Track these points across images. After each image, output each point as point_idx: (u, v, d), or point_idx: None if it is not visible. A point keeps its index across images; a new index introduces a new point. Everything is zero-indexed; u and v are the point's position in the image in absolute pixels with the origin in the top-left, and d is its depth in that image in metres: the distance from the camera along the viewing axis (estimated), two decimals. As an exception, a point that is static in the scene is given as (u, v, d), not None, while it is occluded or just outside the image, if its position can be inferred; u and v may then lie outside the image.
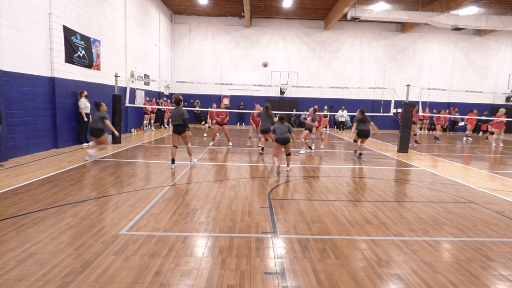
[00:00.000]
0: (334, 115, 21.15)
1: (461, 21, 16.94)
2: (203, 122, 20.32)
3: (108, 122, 8.03)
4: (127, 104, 12.17)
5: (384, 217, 4.62)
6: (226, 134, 11.46)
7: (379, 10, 17.25)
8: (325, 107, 21.17)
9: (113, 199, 5.05)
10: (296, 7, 19.45)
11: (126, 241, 3.55)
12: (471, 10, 17.80)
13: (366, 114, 9.93)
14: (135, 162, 8.12)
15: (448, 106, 21.62)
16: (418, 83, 21.12)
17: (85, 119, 10.15)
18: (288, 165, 7.50)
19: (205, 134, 14.44)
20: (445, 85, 22.09)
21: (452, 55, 22.54)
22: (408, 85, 11.52)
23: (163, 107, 17.24)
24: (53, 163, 7.50)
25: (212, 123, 11.72)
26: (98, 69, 11.66)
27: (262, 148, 9.93)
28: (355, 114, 10.64)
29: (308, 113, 11.36)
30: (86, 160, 7.73)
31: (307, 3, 18.71)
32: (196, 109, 18.71)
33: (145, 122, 15.99)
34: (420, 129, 20.44)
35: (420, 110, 12.42)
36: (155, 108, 16.37)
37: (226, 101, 21.97)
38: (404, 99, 11.55)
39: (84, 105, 10.10)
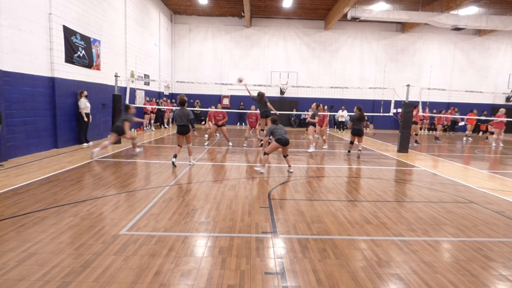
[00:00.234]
0: (334, 115, 21.15)
1: (461, 21, 16.94)
2: (203, 122, 20.32)
3: (127, 124, 8.69)
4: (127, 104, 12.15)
5: (384, 217, 4.62)
6: (225, 135, 11.48)
7: (379, 10, 17.25)
8: (325, 107, 21.15)
9: (113, 199, 5.05)
10: (296, 7, 19.45)
11: (126, 241, 3.55)
12: (471, 10, 17.80)
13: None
14: (135, 162, 8.12)
15: (448, 106, 21.61)
16: (418, 83, 21.13)
17: (85, 119, 10.15)
18: (289, 165, 7.48)
19: (205, 135, 14.42)
20: (445, 85, 22.09)
21: (452, 55, 22.54)
22: (408, 85, 11.52)
23: (163, 107, 17.24)
24: (53, 163, 7.51)
25: (211, 125, 11.77)
26: (98, 69, 11.66)
27: (261, 140, 9.95)
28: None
29: (308, 112, 11.36)
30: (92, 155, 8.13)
31: (307, 3, 18.71)
32: (196, 109, 18.71)
33: (145, 122, 15.98)
34: (420, 129, 20.44)
35: (420, 110, 12.42)
36: (155, 108, 16.37)
37: (226, 101, 21.98)
38: (404, 99, 11.55)
39: (84, 105, 10.10)
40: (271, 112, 9.87)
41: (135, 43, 15.16)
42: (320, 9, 19.82)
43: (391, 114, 12.72)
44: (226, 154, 9.85)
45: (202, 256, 3.29)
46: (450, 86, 22.22)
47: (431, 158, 10.34)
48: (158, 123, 17.73)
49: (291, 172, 7.39)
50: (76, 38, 10.14)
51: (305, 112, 19.94)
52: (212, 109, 12.10)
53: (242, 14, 20.01)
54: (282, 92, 22.02)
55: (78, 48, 10.24)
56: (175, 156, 7.74)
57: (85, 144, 10.25)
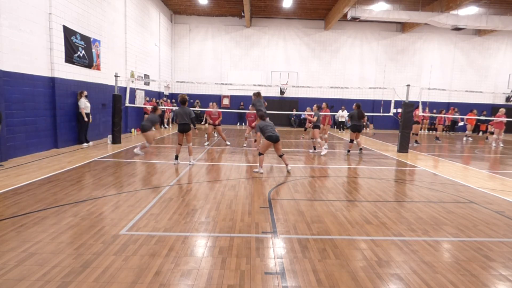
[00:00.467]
0: (334, 115, 21.15)
1: (461, 21, 16.94)
2: (203, 122, 20.35)
3: (156, 126, 9.70)
4: (127, 104, 12.16)
5: (384, 217, 4.62)
6: (221, 135, 11.53)
7: (379, 10, 17.25)
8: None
9: (113, 199, 5.05)
10: (296, 7, 19.45)
11: (126, 241, 3.55)
12: (471, 10, 17.80)
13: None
14: (135, 162, 8.13)
15: (448, 106, 21.61)
16: (418, 83, 21.12)
17: (85, 119, 10.15)
18: (286, 164, 7.48)
19: (205, 135, 14.43)
20: (445, 85, 22.09)
21: (452, 55, 22.54)
22: (408, 85, 11.52)
23: (163, 107, 17.23)
24: (53, 163, 7.50)
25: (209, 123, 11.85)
26: (98, 69, 11.66)
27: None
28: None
29: (308, 112, 11.36)
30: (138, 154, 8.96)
31: (307, 3, 18.71)
32: (196, 109, 18.71)
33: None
34: (420, 129, 20.44)
35: (420, 110, 12.42)
36: (160, 109, 16.34)
37: (226, 101, 21.99)
38: (404, 99, 11.56)
39: (84, 105, 10.09)
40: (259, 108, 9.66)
41: (135, 43, 15.16)
42: (320, 9, 19.82)
43: (391, 114, 12.73)
44: (226, 154, 9.85)
45: (202, 256, 3.29)
46: (450, 86, 22.21)
47: (431, 158, 10.34)
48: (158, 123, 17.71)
49: (289, 170, 7.39)
50: (76, 38, 10.13)
51: (305, 112, 19.94)
52: (209, 108, 12.16)
53: (242, 14, 20.01)
54: (282, 92, 22.03)
55: (78, 48, 10.24)
56: (176, 158, 8.00)
57: (85, 144, 10.24)
